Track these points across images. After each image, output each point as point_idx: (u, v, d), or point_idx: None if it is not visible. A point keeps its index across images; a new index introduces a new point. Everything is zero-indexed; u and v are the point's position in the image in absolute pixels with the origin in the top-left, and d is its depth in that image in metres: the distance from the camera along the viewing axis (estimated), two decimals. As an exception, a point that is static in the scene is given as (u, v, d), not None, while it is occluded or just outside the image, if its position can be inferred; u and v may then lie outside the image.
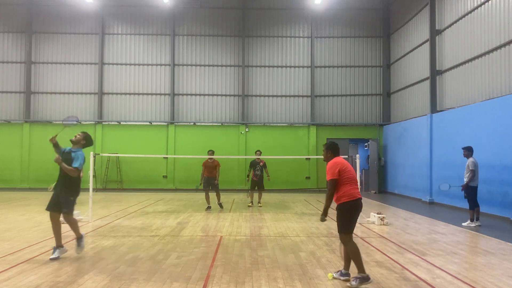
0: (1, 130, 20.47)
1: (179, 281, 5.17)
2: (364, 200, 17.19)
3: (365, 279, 5.00)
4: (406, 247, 7.28)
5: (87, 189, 10.12)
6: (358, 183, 10.70)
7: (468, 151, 10.11)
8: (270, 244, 7.53)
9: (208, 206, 12.35)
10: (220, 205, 12.62)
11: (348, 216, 5.11)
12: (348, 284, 5.04)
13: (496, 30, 12.04)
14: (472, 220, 9.75)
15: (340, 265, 5.93)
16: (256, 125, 20.88)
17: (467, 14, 13.55)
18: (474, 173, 9.68)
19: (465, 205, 10.07)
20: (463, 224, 9.79)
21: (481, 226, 9.63)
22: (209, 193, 12.47)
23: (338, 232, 5.22)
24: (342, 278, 5.21)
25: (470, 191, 9.78)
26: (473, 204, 9.77)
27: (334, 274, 5.32)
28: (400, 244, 7.50)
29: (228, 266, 5.91)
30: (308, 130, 20.83)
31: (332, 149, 5.43)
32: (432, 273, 5.61)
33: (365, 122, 20.96)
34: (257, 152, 13.47)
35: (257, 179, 13.20)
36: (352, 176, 5.20)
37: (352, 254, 5.08)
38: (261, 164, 13.34)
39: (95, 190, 17.25)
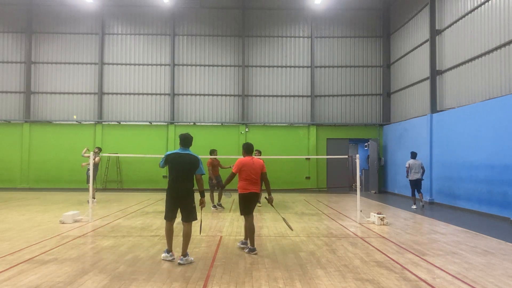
0: (1, 130, 20.47)
1: (179, 281, 5.17)
2: (364, 200, 17.19)
3: (252, 250, 6.69)
4: (406, 247, 7.28)
5: (87, 189, 10.12)
6: (359, 182, 10.79)
7: (411, 155, 13.70)
8: (270, 244, 7.53)
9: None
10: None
11: (243, 203, 6.87)
12: (244, 250, 6.78)
13: (496, 30, 12.04)
14: (414, 203, 13.39)
15: (340, 265, 6.02)
16: (256, 125, 20.87)
17: (467, 14, 13.55)
18: (406, 170, 13.52)
19: (465, 205, 10.60)
20: (411, 207, 13.27)
21: (417, 209, 13.01)
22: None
23: (240, 213, 7.03)
24: (241, 245, 7.07)
25: (409, 183, 13.55)
26: (412, 192, 13.57)
27: (238, 244, 7.11)
28: (400, 244, 7.50)
29: (228, 266, 5.91)
30: (308, 130, 20.82)
31: (244, 149, 7.03)
32: (432, 273, 5.62)
33: (365, 122, 20.96)
34: (256, 152, 12.86)
35: None
36: (249, 175, 6.76)
37: (248, 230, 6.84)
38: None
39: (95, 190, 17.24)
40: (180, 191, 6.09)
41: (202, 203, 6.15)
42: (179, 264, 5.96)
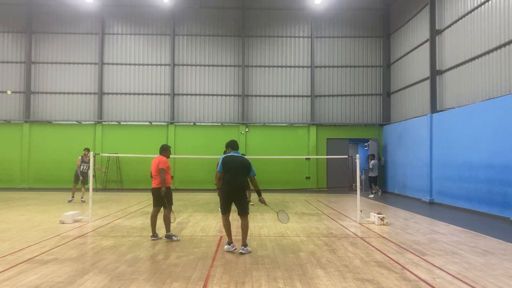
0: (1, 130, 20.46)
1: (179, 281, 5.17)
2: (364, 200, 17.23)
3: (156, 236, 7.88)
4: (406, 247, 7.28)
5: (87, 190, 10.11)
6: (359, 182, 10.77)
7: (372, 156, 18.22)
8: (270, 244, 7.52)
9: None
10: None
11: (155, 196, 7.98)
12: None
13: (496, 30, 12.04)
14: (372, 193, 17.48)
15: (340, 265, 6.02)
16: (256, 125, 20.87)
17: (467, 14, 13.55)
18: (370, 169, 17.63)
19: (465, 205, 10.83)
20: (369, 196, 17.22)
21: (374, 197, 16.81)
22: None
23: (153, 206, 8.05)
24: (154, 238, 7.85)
25: (370, 179, 17.87)
26: (369, 185, 17.94)
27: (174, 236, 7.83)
28: (400, 244, 7.50)
29: (228, 266, 5.91)
30: (308, 130, 20.82)
31: (160, 149, 8.10)
32: (432, 273, 5.61)
33: (365, 122, 20.96)
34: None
35: None
36: (152, 172, 7.88)
37: (164, 218, 7.91)
38: None
39: (95, 190, 17.26)
40: (235, 187, 6.82)
41: (262, 201, 6.94)
42: (240, 253, 6.61)
